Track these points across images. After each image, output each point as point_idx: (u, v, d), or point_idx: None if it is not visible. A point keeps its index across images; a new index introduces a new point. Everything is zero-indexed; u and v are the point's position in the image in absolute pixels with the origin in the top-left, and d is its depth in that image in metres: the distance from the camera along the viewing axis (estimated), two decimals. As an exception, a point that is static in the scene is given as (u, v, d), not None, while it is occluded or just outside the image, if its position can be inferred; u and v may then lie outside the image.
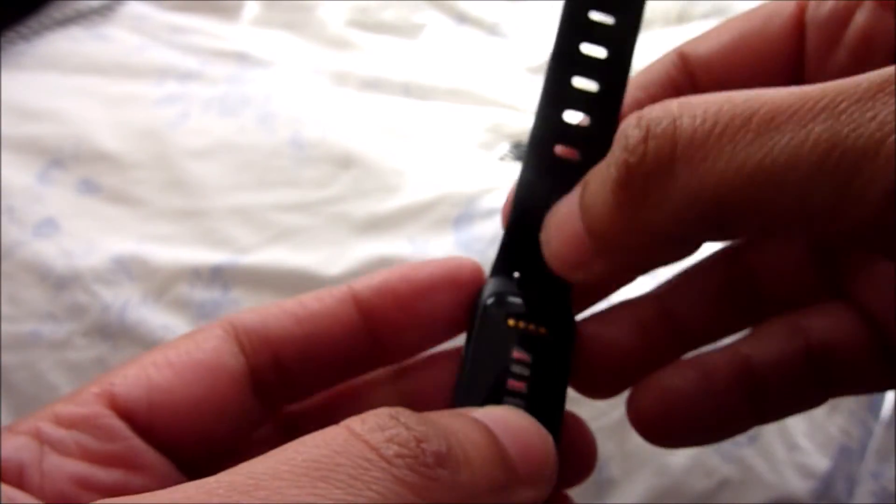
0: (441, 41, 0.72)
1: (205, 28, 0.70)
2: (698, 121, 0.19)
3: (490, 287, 0.25)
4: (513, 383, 0.23)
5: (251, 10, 0.73)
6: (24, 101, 0.61)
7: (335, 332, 0.24)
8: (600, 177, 0.21)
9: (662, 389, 0.24)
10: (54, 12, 0.70)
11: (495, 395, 0.23)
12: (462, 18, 0.74)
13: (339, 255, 0.53)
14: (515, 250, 0.25)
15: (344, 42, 0.70)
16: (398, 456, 0.16)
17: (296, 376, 0.24)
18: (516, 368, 0.23)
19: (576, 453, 0.25)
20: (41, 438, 0.20)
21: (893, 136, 0.16)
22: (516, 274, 0.25)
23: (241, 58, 0.68)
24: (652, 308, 0.26)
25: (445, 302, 0.25)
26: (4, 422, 0.48)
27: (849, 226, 0.18)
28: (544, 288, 0.25)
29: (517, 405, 0.23)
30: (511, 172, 0.59)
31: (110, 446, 0.21)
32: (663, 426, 0.25)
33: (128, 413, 0.22)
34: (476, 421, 0.20)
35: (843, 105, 0.17)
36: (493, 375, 0.23)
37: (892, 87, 0.17)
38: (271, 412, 0.25)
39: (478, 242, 0.54)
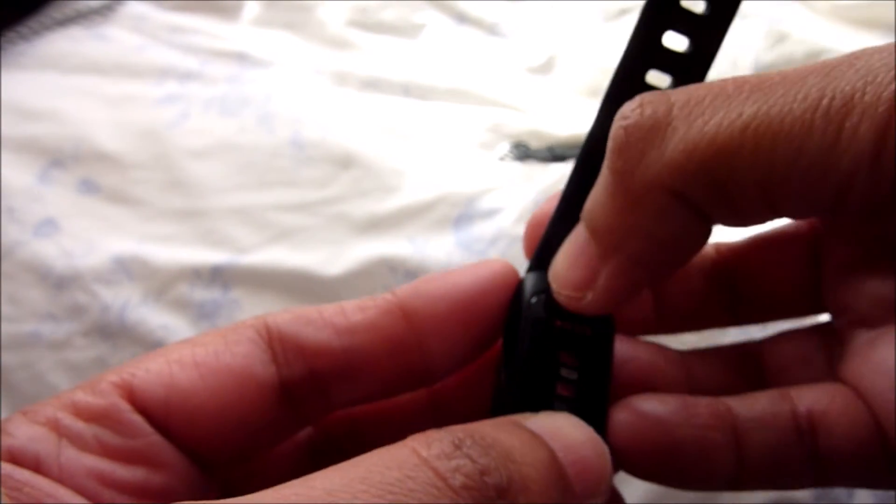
0: (441, 41, 0.72)
1: (205, 28, 0.70)
2: (692, 90, 0.20)
3: (532, 284, 0.23)
4: (562, 388, 0.22)
5: (251, 10, 0.73)
6: (24, 101, 0.61)
7: (379, 346, 0.23)
8: (599, 179, 0.21)
9: (641, 410, 0.23)
10: (54, 12, 0.70)
11: (546, 401, 0.22)
12: (462, 18, 0.74)
13: (339, 255, 0.53)
14: (560, 242, 0.23)
15: (344, 42, 0.70)
16: (464, 488, 0.16)
17: (331, 390, 0.23)
18: (565, 372, 0.22)
19: None
20: (59, 431, 0.20)
21: (880, 76, 0.17)
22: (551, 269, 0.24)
23: (241, 58, 0.68)
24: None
25: (491, 308, 0.24)
26: (4, 422, 0.48)
27: (843, 179, 0.18)
28: None
29: (567, 410, 0.21)
30: (511, 172, 0.59)
31: (131, 443, 0.20)
32: (638, 449, 0.23)
33: (145, 409, 0.21)
34: (534, 437, 0.19)
35: (831, 67, 0.18)
36: (543, 379, 0.22)
37: (872, 49, 0.18)
38: (303, 422, 0.24)
39: (478, 242, 0.54)
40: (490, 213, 0.56)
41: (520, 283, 0.24)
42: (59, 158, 0.58)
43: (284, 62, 0.68)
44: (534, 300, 0.23)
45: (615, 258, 0.21)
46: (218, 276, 0.53)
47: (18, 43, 0.67)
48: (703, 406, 0.23)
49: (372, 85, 0.66)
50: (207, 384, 0.21)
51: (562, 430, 0.20)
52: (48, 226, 0.54)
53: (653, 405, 0.22)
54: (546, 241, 0.24)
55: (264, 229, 0.55)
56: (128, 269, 0.53)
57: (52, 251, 0.53)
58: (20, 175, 0.57)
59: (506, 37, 0.73)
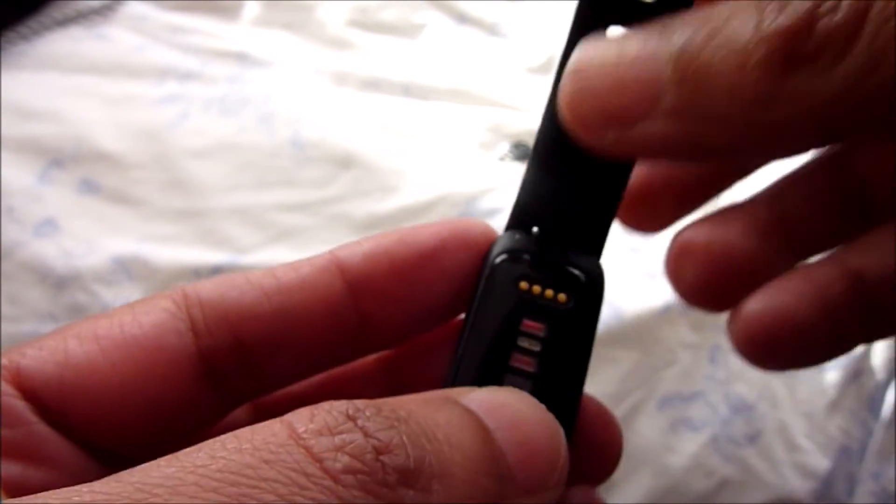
0: (441, 41, 0.72)
1: (205, 28, 0.70)
2: None
3: (501, 242, 0.21)
4: (519, 359, 0.19)
5: (251, 10, 0.73)
6: (24, 101, 0.61)
7: (313, 308, 0.19)
8: (740, 24, 0.16)
9: (775, 306, 0.20)
10: (54, 12, 0.70)
11: (495, 373, 0.19)
12: (462, 18, 0.74)
13: (339, 255, 0.53)
14: (537, 198, 0.21)
15: (344, 42, 0.70)
16: (347, 471, 0.13)
17: (263, 362, 0.20)
18: (525, 342, 0.19)
19: (596, 446, 0.21)
20: None
21: None
22: (535, 229, 0.21)
23: (241, 58, 0.68)
24: (765, 211, 0.22)
25: (451, 270, 0.20)
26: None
27: None
28: (570, 245, 0.20)
29: (522, 386, 0.18)
30: (511, 172, 0.59)
31: (8, 433, 0.17)
32: (772, 346, 0.21)
33: (34, 393, 0.18)
34: (465, 412, 0.16)
35: None
36: (495, 348, 0.19)
37: None
38: (232, 403, 0.20)
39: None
40: (490, 214, 0.56)
41: (492, 243, 0.21)
42: (59, 158, 0.58)
43: (284, 62, 0.68)
44: (500, 258, 0.20)
45: (693, 120, 0.16)
46: (218, 275, 0.53)
47: (18, 43, 0.67)
48: (835, 282, 0.20)
49: (372, 85, 0.66)
50: (109, 359, 0.18)
51: (505, 406, 0.16)
52: (48, 226, 0.54)
53: (786, 297, 0.20)
54: (526, 198, 0.21)
55: (264, 229, 0.55)
56: (128, 270, 0.53)
57: (52, 251, 0.53)
58: (20, 175, 0.57)
59: (506, 37, 0.73)
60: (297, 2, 0.73)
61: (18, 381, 0.18)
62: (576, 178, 0.20)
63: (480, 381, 0.19)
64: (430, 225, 0.21)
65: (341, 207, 0.56)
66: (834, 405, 0.49)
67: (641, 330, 0.49)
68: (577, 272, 0.20)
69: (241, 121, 0.61)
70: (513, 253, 0.20)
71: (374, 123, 0.62)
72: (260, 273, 0.20)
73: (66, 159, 0.58)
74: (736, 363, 0.50)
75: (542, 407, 0.17)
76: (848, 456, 0.47)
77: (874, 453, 0.47)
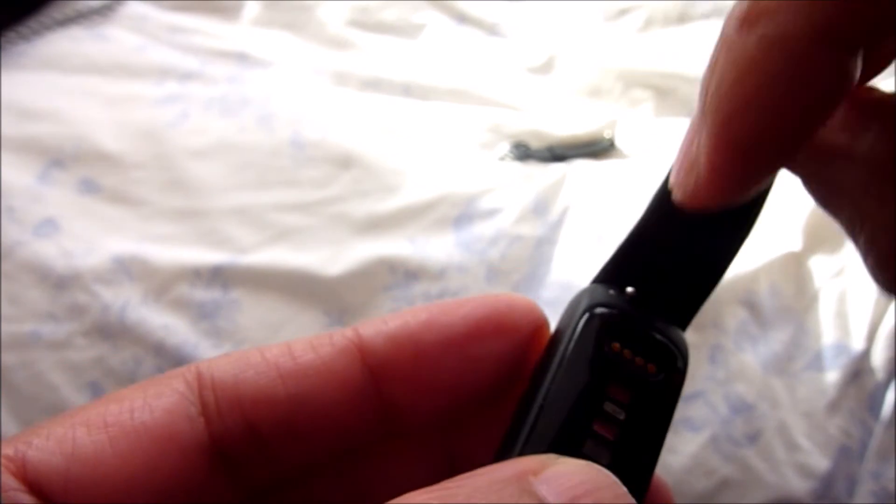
0: (441, 41, 0.72)
1: (205, 28, 0.70)
2: None
3: (594, 295, 0.19)
4: (602, 426, 0.17)
5: (251, 10, 0.73)
6: (24, 101, 0.61)
7: (332, 394, 0.18)
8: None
9: None
10: (54, 12, 0.70)
11: (576, 438, 0.17)
12: (462, 18, 0.74)
13: (339, 255, 0.53)
14: (641, 255, 0.19)
15: (344, 42, 0.70)
16: None
17: (278, 449, 0.19)
18: (610, 408, 0.18)
19: None
20: None
21: None
22: (630, 289, 0.19)
23: (241, 58, 0.68)
24: None
25: (485, 359, 0.19)
26: (4, 421, 0.48)
27: None
28: (661, 312, 0.19)
29: (601, 456, 0.17)
30: (511, 172, 0.59)
31: None
32: None
33: (39, 487, 0.17)
34: (534, 496, 0.14)
35: None
36: (579, 410, 0.17)
37: None
38: (247, 493, 0.19)
39: (478, 242, 0.54)
40: (490, 213, 0.56)
41: (579, 294, 0.19)
42: (59, 158, 0.58)
43: (284, 62, 0.68)
44: (594, 311, 0.18)
45: (720, 104, 0.15)
46: (218, 276, 0.53)
47: (18, 43, 0.67)
48: None
49: (372, 85, 0.66)
50: (118, 449, 0.17)
51: (579, 480, 0.15)
52: (48, 226, 0.54)
53: None
54: (619, 253, 0.20)
55: (264, 229, 0.55)
56: (128, 269, 0.53)
57: (52, 251, 0.53)
58: (20, 175, 0.57)
59: (506, 37, 0.73)
60: (297, 2, 0.73)
61: (24, 474, 0.17)
62: (688, 244, 0.19)
63: (559, 443, 0.17)
64: (466, 303, 0.19)
65: (341, 207, 0.56)
66: (834, 405, 0.49)
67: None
68: (667, 343, 0.18)
69: (241, 121, 0.61)
70: (609, 308, 0.19)
71: (374, 123, 0.62)
72: (277, 350, 0.19)
73: (66, 159, 0.58)
74: (736, 363, 0.50)
75: (629, 495, 0.15)
76: (848, 456, 0.47)
77: (874, 453, 0.47)
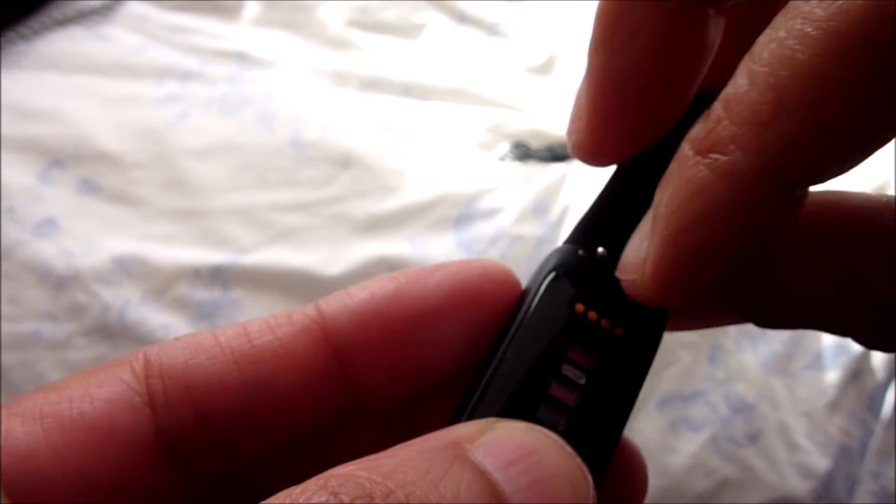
0: (441, 41, 0.72)
1: (205, 28, 0.70)
2: None
3: (561, 255, 0.18)
4: (559, 389, 0.16)
5: (251, 10, 0.73)
6: (24, 101, 0.61)
7: (291, 378, 0.17)
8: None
9: None
10: (54, 12, 0.70)
11: (529, 401, 0.16)
12: (462, 18, 0.74)
13: (339, 255, 0.53)
14: (611, 215, 0.18)
15: (344, 42, 0.70)
16: None
17: (233, 439, 0.17)
18: (569, 371, 0.17)
19: (620, 492, 0.18)
20: None
21: None
22: (601, 250, 0.18)
23: (241, 58, 0.68)
24: None
25: (459, 330, 0.18)
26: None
27: None
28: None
29: (556, 422, 0.16)
30: (511, 172, 0.59)
31: None
32: None
33: None
34: (476, 475, 0.13)
35: None
36: (535, 372, 0.16)
37: None
38: (204, 485, 0.18)
39: (478, 242, 0.54)
40: (490, 213, 0.56)
41: (548, 255, 0.19)
42: (59, 158, 0.58)
43: (284, 62, 0.68)
44: (557, 272, 0.17)
45: (669, 218, 0.15)
46: (218, 275, 0.53)
47: (18, 43, 0.67)
48: None
49: (372, 85, 0.66)
50: (52, 442, 0.16)
51: (529, 454, 0.14)
52: (48, 226, 0.54)
53: None
54: (590, 214, 0.19)
55: (264, 229, 0.55)
56: (128, 269, 0.53)
57: (52, 251, 0.53)
58: (20, 175, 0.57)
59: (506, 37, 0.73)
60: (297, 2, 0.73)
61: None
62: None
63: (510, 408, 0.16)
64: (437, 270, 0.18)
65: (341, 207, 0.56)
66: (834, 405, 0.49)
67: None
68: (638, 306, 0.17)
69: (241, 121, 0.61)
70: (574, 269, 0.18)
71: (374, 123, 0.62)
72: (232, 332, 0.17)
73: (66, 159, 0.58)
74: (736, 363, 0.50)
75: (576, 459, 0.14)
76: (848, 456, 0.47)
77: (874, 453, 0.47)
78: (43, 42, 0.68)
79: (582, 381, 0.17)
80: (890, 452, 0.46)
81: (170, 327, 0.51)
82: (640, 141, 0.17)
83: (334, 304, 0.18)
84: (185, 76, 0.65)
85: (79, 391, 0.17)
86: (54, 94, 0.63)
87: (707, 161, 0.14)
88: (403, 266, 0.53)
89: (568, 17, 0.74)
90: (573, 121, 0.18)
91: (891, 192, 0.52)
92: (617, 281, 0.17)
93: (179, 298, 0.52)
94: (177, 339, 0.18)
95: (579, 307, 0.17)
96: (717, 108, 0.15)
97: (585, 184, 0.58)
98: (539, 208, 0.56)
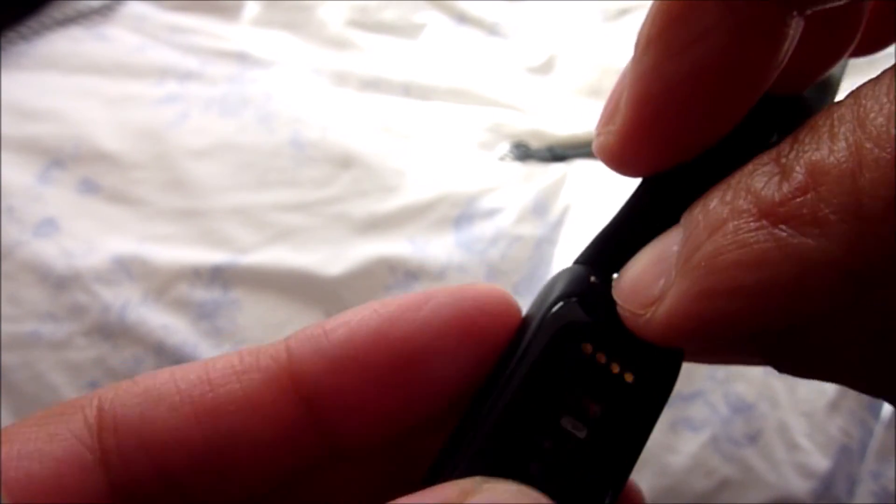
0: (441, 41, 0.72)
1: (205, 28, 0.70)
2: None
3: (571, 279, 0.16)
4: (555, 444, 0.15)
5: (251, 10, 0.73)
6: (24, 101, 0.61)
7: (257, 431, 0.15)
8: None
9: None
10: (54, 12, 0.70)
11: (519, 457, 0.14)
12: (462, 18, 0.74)
13: (339, 255, 0.53)
14: (630, 236, 0.16)
15: (344, 42, 0.70)
16: None
17: (195, 493, 0.16)
18: (569, 423, 0.15)
19: None
20: None
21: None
22: (616, 276, 0.16)
23: (241, 58, 0.68)
24: None
25: (449, 369, 0.16)
26: (4, 421, 0.48)
27: None
28: None
29: (549, 482, 0.14)
30: (511, 172, 0.59)
31: None
32: None
33: None
34: None
35: None
36: (529, 422, 0.15)
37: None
38: None
39: (478, 242, 0.54)
40: (490, 213, 0.56)
41: (555, 277, 0.16)
42: (59, 158, 0.58)
43: (284, 62, 0.68)
44: (557, 307, 0.15)
45: (708, 274, 0.13)
46: (218, 275, 0.53)
47: (18, 43, 0.67)
48: None
49: (372, 85, 0.66)
50: None
51: None
52: (48, 226, 0.54)
53: None
54: (609, 233, 0.17)
55: (264, 229, 0.55)
56: (128, 269, 0.53)
57: (52, 251, 0.53)
58: (20, 175, 0.57)
59: (506, 37, 0.73)
60: (297, 2, 0.73)
61: None
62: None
63: (499, 463, 0.14)
64: (426, 302, 0.16)
65: (341, 207, 0.56)
66: (834, 405, 0.49)
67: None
68: (653, 348, 0.15)
69: (241, 121, 0.61)
70: (583, 300, 0.15)
71: (374, 123, 0.62)
72: (194, 376, 0.16)
73: (66, 159, 0.58)
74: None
75: None
76: (848, 456, 0.47)
77: (874, 453, 0.47)
78: (43, 42, 0.68)
79: (582, 435, 0.15)
80: (890, 452, 0.46)
81: (170, 327, 0.51)
82: (681, 154, 0.15)
83: (307, 346, 0.16)
84: (185, 76, 0.65)
85: (27, 446, 0.15)
86: (54, 94, 0.63)
87: (776, 232, 0.12)
88: (403, 266, 0.53)
89: (568, 17, 0.74)
90: (605, 121, 0.16)
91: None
92: None
93: (179, 298, 0.52)
94: (133, 381, 0.16)
95: (587, 347, 0.15)
96: (801, 172, 0.12)
97: (585, 184, 0.58)
98: (539, 208, 0.56)
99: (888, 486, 0.45)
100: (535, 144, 0.62)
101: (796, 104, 0.16)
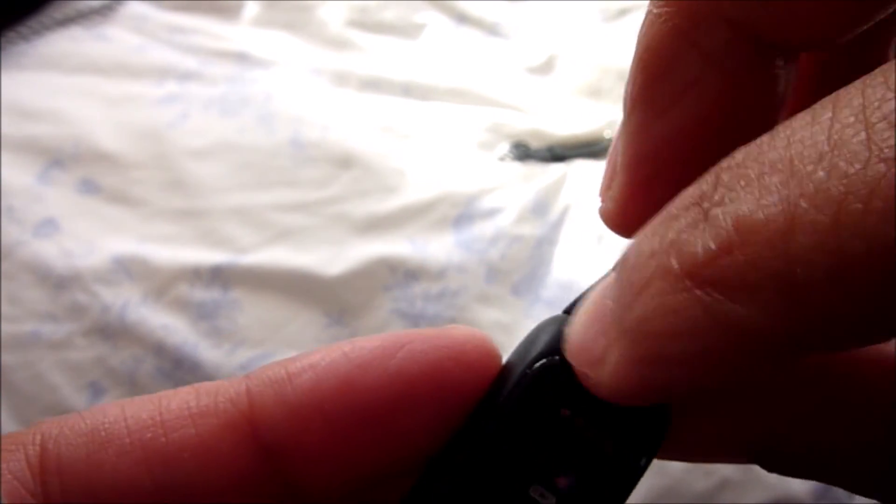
0: (441, 41, 0.72)
1: (205, 28, 0.70)
2: None
3: (554, 335, 0.14)
4: None
5: (251, 10, 0.73)
6: (24, 101, 0.61)
7: (212, 480, 0.15)
8: None
9: None
10: (54, 12, 0.70)
11: None
12: (462, 18, 0.74)
13: (339, 255, 0.53)
14: None
15: (344, 42, 0.70)
16: None
17: None
18: (537, 492, 0.14)
19: None
20: None
21: None
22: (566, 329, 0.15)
23: (241, 58, 0.68)
24: None
25: (421, 422, 0.15)
26: (4, 421, 0.48)
27: None
28: None
29: None
30: (511, 172, 0.59)
31: None
32: None
33: None
34: None
35: None
36: (494, 493, 0.14)
37: None
38: None
39: (478, 242, 0.54)
40: (490, 213, 0.56)
41: (540, 326, 0.15)
42: (59, 158, 0.58)
43: (284, 62, 0.68)
44: (538, 365, 0.14)
45: (641, 340, 0.12)
46: (218, 275, 0.53)
47: (18, 43, 0.67)
48: None
49: (372, 85, 0.66)
50: None
51: None
52: (48, 226, 0.54)
53: None
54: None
55: (264, 229, 0.55)
56: (128, 269, 0.53)
57: (52, 251, 0.53)
58: (20, 175, 0.57)
59: (506, 37, 0.73)
60: (297, 2, 0.73)
61: None
62: None
63: None
64: (400, 349, 0.15)
65: (341, 207, 0.56)
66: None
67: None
68: (637, 415, 0.14)
69: (241, 121, 0.61)
70: (566, 362, 0.14)
71: (374, 123, 0.62)
72: (147, 416, 0.15)
73: (66, 159, 0.58)
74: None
75: None
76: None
77: (874, 453, 0.47)
78: (43, 42, 0.68)
79: None
80: (890, 452, 0.46)
81: (170, 327, 0.51)
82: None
83: (269, 391, 0.15)
84: (185, 76, 0.65)
85: None
86: (54, 94, 0.63)
87: (703, 297, 0.11)
88: (403, 266, 0.53)
89: (568, 17, 0.74)
90: (605, 186, 0.15)
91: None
92: None
93: (179, 298, 0.52)
94: (80, 416, 0.15)
95: (566, 411, 0.14)
96: (725, 226, 0.11)
97: (585, 184, 0.58)
98: (539, 208, 0.56)
99: (888, 486, 0.45)
100: (535, 144, 0.62)
101: None
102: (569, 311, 0.15)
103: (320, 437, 0.15)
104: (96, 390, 0.50)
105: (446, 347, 0.15)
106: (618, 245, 0.17)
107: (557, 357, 0.14)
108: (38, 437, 0.14)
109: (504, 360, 0.15)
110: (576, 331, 0.14)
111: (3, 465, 0.14)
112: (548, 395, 0.14)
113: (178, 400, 0.15)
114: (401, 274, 0.53)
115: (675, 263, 0.11)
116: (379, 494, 0.16)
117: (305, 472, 0.15)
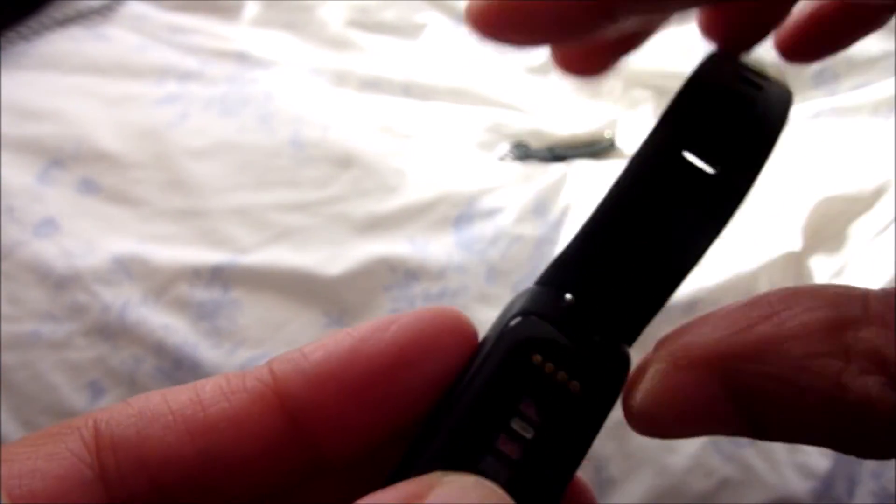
0: (441, 41, 0.72)
1: (205, 28, 0.70)
2: None
3: (528, 299, 0.18)
4: (506, 442, 0.17)
5: (251, 10, 0.73)
6: (24, 101, 0.61)
7: (247, 447, 0.17)
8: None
9: None
10: (54, 12, 0.70)
11: (475, 453, 0.16)
12: (462, 18, 0.74)
13: (339, 255, 0.53)
14: (585, 261, 0.18)
15: (344, 42, 0.70)
16: None
17: None
18: (517, 424, 0.17)
19: None
20: None
21: None
22: (569, 296, 0.18)
23: (241, 58, 0.68)
24: None
25: (416, 382, 0.18)
26: (4, 421, 0.48)
27: None
28: (602, 325, 0.18)
29: (499, 473, 0.16)
30: (511, 172, 0.59)
31: None
32: None
33: None
34: None
35: None
36: (485, 424, 0.17)
37: None
38: None
39: (478, 242, 0.54)
40: (490, 213, 0.56)
41: (514, 298, 0.18)
42: (59, 158, 0.58)
43: (284, 62, 0.68)
44: (519, 319, 0.17)
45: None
46: (218, 275, 0.53)
47: (18, 43, 0.67)
48: None
49: (372, 85, 0.66)
50: None
51: (461, 497, 0.15)
52: (48, 226, 0.54)
53: None
54: (571, 256, 0.18)
55: (264, 229, 0.55)
56: (128, 269, 0.53)
57: (52, 251, 0.53)
58: (20, 175, 0.57)
59: (506, 37, 0.73)
60: (297, 2, 0.73)
61: None
62: (643, 247, 0.18)
63: (454, 461, 0.16)
64: (392, 324, 0.18)
65: (341, 207, 0.56)
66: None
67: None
68: (600, 359, 0.17)
69: (241, 121, 0.61)
70: (538, 317, 0.17)
71: (374, 123, 0.62)
72: (185, 397, 0.17)
73: (66, 159, 0.58)
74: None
75: None
76: (848, 456, 0.47)
77: (874, 453, 0.47)
78: (43, 42, 0.68)
79: (529, 435, 0.17)
80: (890, 452, 0.46)
81: (170, 327, 0.51)
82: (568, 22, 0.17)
83: (288, 367, 0.17)
84: (185, 76, 0.65)
85: (27, 465, 0.16)
86: (54, 94, 0.63)
87: None
88: (403, 266, 0.53)
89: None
90: None
91: (891, 193, 0.52)
92: (581, 331, 0.17)
93: (179, 298, 0.52)
94: (126, 403, 0.17)
95: (536, 358, 0.17)
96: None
97: (585, 184, 0.58)
98: (539, 208, 0.56)
99: (888, 486, 0.45)
100: (535, 144, 0.62)
101: (738, 98, 0.18)
102: (540, 281, 0.18)
103: (334, 400, 0.17)
104: (96, 390, 0.50)
105: (429, 319, 0.18)
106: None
107: (531, 314, 0.17)
108: (91, 421, 0.17)
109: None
110: None
111: (62, 445, 0.16)
112: (523, 346, 0.17)
113: (211, 384, 0.17)
114: (401, 274, 0.53)
115: None
116: (387, 454, 0.18)
117: (325, 434, 0.17)
